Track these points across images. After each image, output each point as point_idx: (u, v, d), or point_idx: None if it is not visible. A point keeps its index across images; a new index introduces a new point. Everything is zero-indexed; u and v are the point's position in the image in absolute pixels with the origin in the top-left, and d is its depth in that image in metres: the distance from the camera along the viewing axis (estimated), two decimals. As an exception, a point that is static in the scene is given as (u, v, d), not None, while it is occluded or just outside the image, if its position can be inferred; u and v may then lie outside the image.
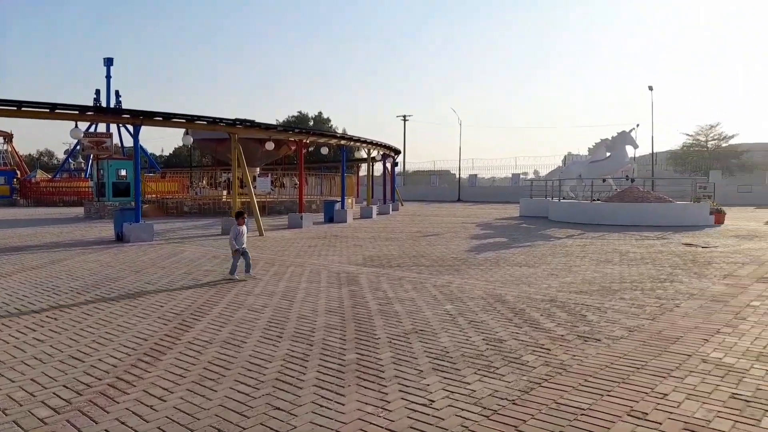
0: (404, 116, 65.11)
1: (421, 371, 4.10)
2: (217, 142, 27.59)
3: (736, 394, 3.59)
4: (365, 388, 3.77)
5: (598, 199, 20.73)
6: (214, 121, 16.22)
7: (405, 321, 5.62)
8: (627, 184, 21.18)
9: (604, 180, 22.16)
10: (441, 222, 20.48)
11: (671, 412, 3.30)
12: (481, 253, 11.08)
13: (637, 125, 23.06)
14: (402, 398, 3.58)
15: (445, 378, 3.95)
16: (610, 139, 22.57)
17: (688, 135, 51.10)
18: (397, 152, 29.97)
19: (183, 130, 20.84)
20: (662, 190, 23.49)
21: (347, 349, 4.66)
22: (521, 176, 47.60)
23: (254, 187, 21.73)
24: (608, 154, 22.50)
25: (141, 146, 19.40)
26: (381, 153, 27.87)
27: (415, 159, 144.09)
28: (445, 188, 50.40)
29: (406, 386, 3.79)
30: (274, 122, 51.60)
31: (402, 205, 33.03)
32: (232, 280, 8.06)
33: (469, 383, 3.84)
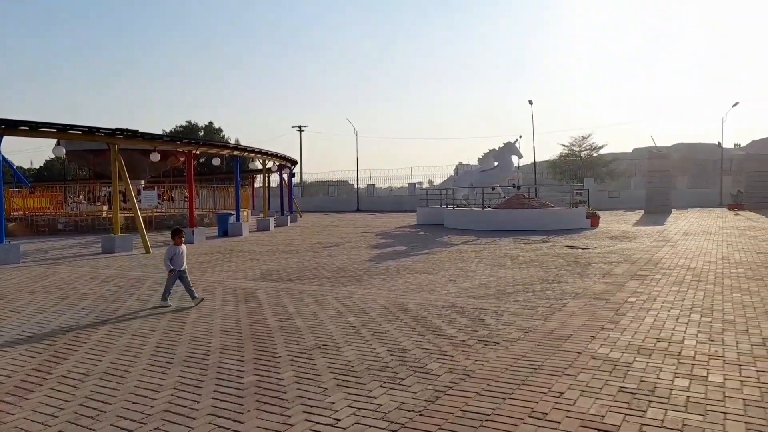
0: (300, 126, 64.54)
1: (326, 389, 3.93)
2: (95, 154, 25.47)
3: (624, 387, 3.82)
4: (266, 412, 3.53)
5: (489, 207, 21.78)
6: (90, 131, 14.88)
7: (307, 337, 5.42)
8: (514, 192, 22.48)
9: (493, 188, 23.37)
10: (341, 232, 20.40)
11: (568, 410, 3.43)
12: (382, 263, 11.11)
13: (521, 137, 24.59)
14: (306, 419, 3.39)
15: (350, 394, 3.81)
16: (498, 149, 23.90)
17: (564, 145, 55.47)
18: (294, 163, 29.50)
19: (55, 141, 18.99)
20: (545, 197, 25.22)
21: (245, 371, 4.37)
22: (417, 185, 48.92)
23: (139, 201, 20.26)
24: (496, 163, 23.80)
25: (5, 158, 17.36)
26: (277, 164, 27.28)
27: (313, 170, 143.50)
28: (344, 198, 50.46)
29: (310, 406, 3.61)
30: (161, 132, 48.75)
31: (300, 216, 32.54)
32: (164, 306, 6.98)
33: (375, 397, 3.74)
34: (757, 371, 4.09)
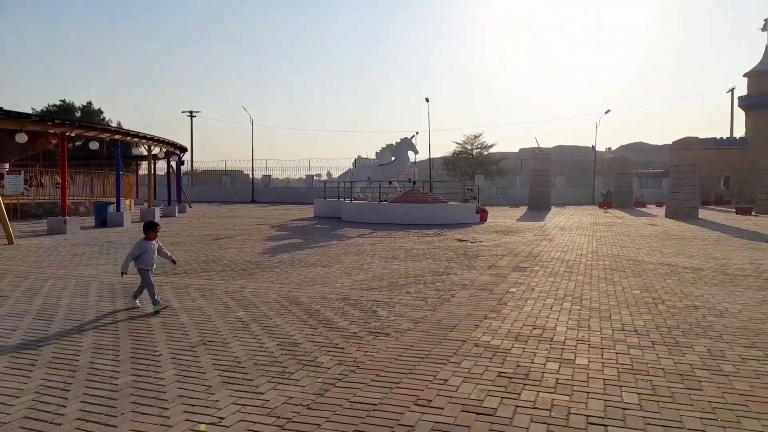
0: (191, 112, 61.38)
1: (210, 386, 3.77)
2: (-53, 132, 22.42)
3: (502, 372, 4.06)
4: (143, 414, 3.32)
5: (385, 200, 22.15)
6: (-60, 104, 13.02)
7: (192, 333, 5.17)
8: (409, 186, 23.07)
9: (390, 182, 23.81)
10: (233, 224, 19.70)
11: (451, 396, 3.57)
12: (275, 255, 10.89)
13: (417, 133, 25.29)
14: (187, 419, 3.23)
15: (236, 391, 3.69)
16: (395, 144, 24.38)
17: (457, 143, 57.86)
18: (183, 150, 27.96)
19: None
20: (438, 192, 26.16)
21: (121, 372, 4.07)
22: (315, 178, 48.58)
23: (1, 186, 18.13)
24: (393, 158, 24.27)
25: None
26: (164, 150, 25.70)
27: (205, 158, 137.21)
28: (239, 189, 48.79)
29: (192, 405, 3.44)
30: (30, 110, 43.95)
31: (190, 206, 30.99)
32: (162, 308, 6.03)
33: (262, 393, 3.65)
34: (616, 353, 4.53)
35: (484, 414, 3.30)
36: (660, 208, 33.02)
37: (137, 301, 6.28)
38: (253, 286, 7.52)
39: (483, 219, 21.17)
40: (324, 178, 47.25)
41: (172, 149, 26.14)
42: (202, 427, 3.14)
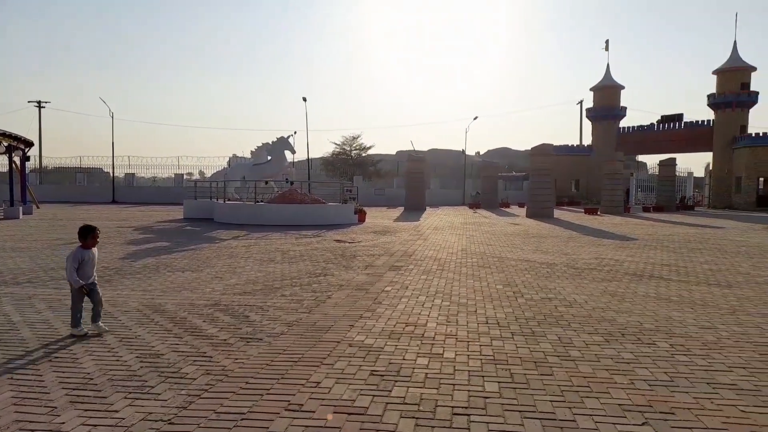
0: (39, 102, 55.09)
1: (54, 408, 3.37)
2: None
3: (375, 370, 4.11)
4: (-34, 447, 2.87)
5: (261, 201, 21.57)
6: None
7: (35, 349, 4.59)
8: (287, 187, 22.70)
9: (266, 182, 23.24)
10: (91, 226, 17.95)
11: (323, 399, 3.54)
12: (138, 260, 10.09)
13: (295, 132, 24.99)
14: (23, 449, 2.85)
15: (86, 411, 3.33)
16: (271, 143, 23.84)
17: (336, 144, 58.25)
18: (29, 144, 24.96)
19: None
20: (317, 193, 26.06)
21: (-60, 400, 3.49)
22: (185, 177, 45.91)
23: None
24: (269, 157, 23.71)
25: None
26: (5, 144, 22.75)
27: (57, 153, 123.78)
28: (97, 188, 44.54)
29: (32, 430, 3.05)
30: None
31: (38, 207, 27.73)
32: (78, 335, 4.98)
33: (116, 411, 3.34)
34: (480, 345, 4.81)
35: (355, 414, 3.31)
36: (522, 209, 35.86)
37: (101, 324, 5.17)
38: (111, 295, 6.89)
39: (361, 219, 21.47)
40: (196, 177, 44.87)
41: (14, 143, 23.22)
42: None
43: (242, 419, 3.24)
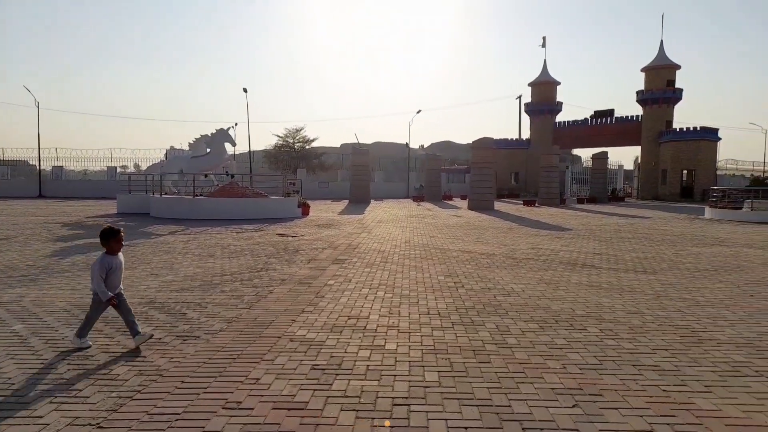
0: (-43, 90, 51.01)
1: (-31, 418, 3.15)
2: None
3: (316, 365, 4.08)
4: None
5: (201, 195, 20.94)
6: None
7: (-53, 355, 4.27)
8: (227, 180, 22.14)
9: (206, 175, 22.57)
10: (13, 223, 16.88)
11: (263, 395, 3.49)
12: (67, 258, 9.57)
13: (236, 124, 24.39)
14: (-67, 463, 2.65)
15: (5, 418, 3.13)
16: (210, 135, 23.16)
17: (278, 136, 57.25)
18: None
19: None
20: (259, 186, 25.53)
21: None
22: (119, 170, 43.90)
23: None
24: (209, 150, 23.03)
25: None
26: None
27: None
28: (21, 181, 41.85)
29: (-58, 444, 2.84)
30: None
31: (-44, 203, 25.78)
32: (82, 348, 4.42)
33: (41, 416, 3.16)
34: (421, 336, 4.87)
35: (295, 409, 3.28)
36: (464, 201, 36.58)
37: (142, 332, 4.58)
38: (36, 294, 6.51)
39: (305, 213, 21.25)
40: (131, 170, 43.04)
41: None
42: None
43: (177, 419, 3.14)
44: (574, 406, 3.36)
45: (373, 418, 3.16)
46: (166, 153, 29.42)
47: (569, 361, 4.21)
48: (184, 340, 4.71)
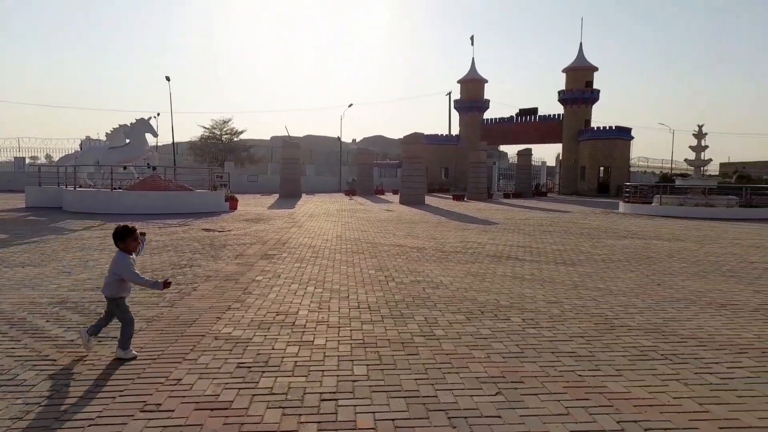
0: None
1: None
2: None
3: (242, 363, 3.98)
4: None
5: (119, 188, 19.84)
6: None
7: None
8: (149, 172, 21.11)
9: (125, 167, 21.40)
10: None
11: (184, 396, 3.35)
12: (-34, 255, 8.78)
13: (158, 114, 23.31)
14: None
15: None
16: (129, 125, 21.97)
17: (205, 128, 55.28)
18: None
19: None
20: (184, 179, 24.54)
21: None
22: (28, 161, 40.75)
23: None
24: (128, 140, 21.85)
25: None
26: None
27: None
28: None
29: None
30: None
31: None
32: (127, 358, 3.99)
33: (-69, 431, 2.88)
34: (350, 330, 4.86)
35: (219, 409, 3.18)
36: (396, 196, 36.91)
37: (93, 339, 4.21)
38: (-71, 296, 5.92)
39: (233, 207, 20.67)
40: (42, 161, 40.07)
41: None
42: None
43: (90, 425, 2.96)
44: (497, 393, 3.47)
45: (300, 415, 3.12)
46: (81, 143, 27.60)
47: (493, 350, 4.35)
48: (99, 341, 4.44)
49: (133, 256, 4.36)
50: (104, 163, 20.97)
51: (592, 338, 4.74)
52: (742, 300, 6.38)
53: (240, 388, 3.48)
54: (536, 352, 4.31)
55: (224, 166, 40.37)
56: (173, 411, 3.14)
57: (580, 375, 3.83)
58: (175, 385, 3.53)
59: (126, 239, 4.32)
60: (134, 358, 4.05)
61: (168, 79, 32.25)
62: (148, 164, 21.58)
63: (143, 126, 21.67)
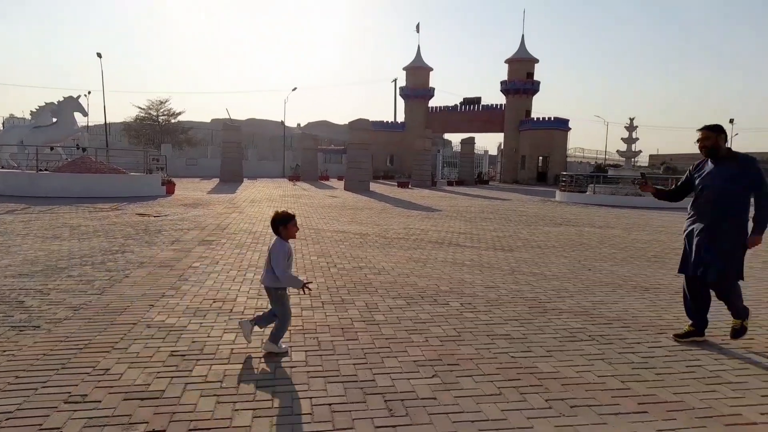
0: None
1: None
2: None
3: (175, 351, 3.86)
4: None
5: (45, 169, 18.72)
6: None
7: None
8: (78, 154, 20.01)
9: (52, 148, 20.18)
10: None
11: (112, 386, 3.22)
12: None
13: (89, 92, 22.07)
14: None
15: None
16: (57, 104, 20.69)
17: (140, 108, 52.87)
18: None
19: None
20: (117, 162, 23.48)
21: None
22: (-57, 139, 37.68)
23: None
24: (55, 120, 20.58)
25: None
26: None
27: None
28: None
29: None
30: None
31: None
32: (279, 353, 3.87)
33: None
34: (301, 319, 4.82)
35: (149, 398, 3.08)
36: (341, 182, 36.75)
37: (272, 344, 3.93)
38: None
39: (170, 191, 19.95)
40: (-42, 139, 37.20)
41: None
42: None
43: (8, 419, 2.79)
44: (433, 376, 3.54)
45: (235, 402, 3.07)
46: (3, 122, 25.76)
47: (431, 334, 4.43)
48: (21, 330, 4.20)
49: (291, 243, 4.12)
50: (29, 143, 19.70)
51: (525, 321, 4.91)
52: (664, 284, 6.79)
53: (172, 377, 3.38)
54: (472, 335, 4.42)
55: (161, 149, 38.82)
56: (100, 402, 3.01)
57: (512, 357, 3.96)
58: (103, 374, 3.39)
59: (288, 224, 4.05)
60: (285, 353, 3.90)
61: (99, 55, 30.57)
62: (77, 145, 20.44)
63: (72, 104, 20.46)
